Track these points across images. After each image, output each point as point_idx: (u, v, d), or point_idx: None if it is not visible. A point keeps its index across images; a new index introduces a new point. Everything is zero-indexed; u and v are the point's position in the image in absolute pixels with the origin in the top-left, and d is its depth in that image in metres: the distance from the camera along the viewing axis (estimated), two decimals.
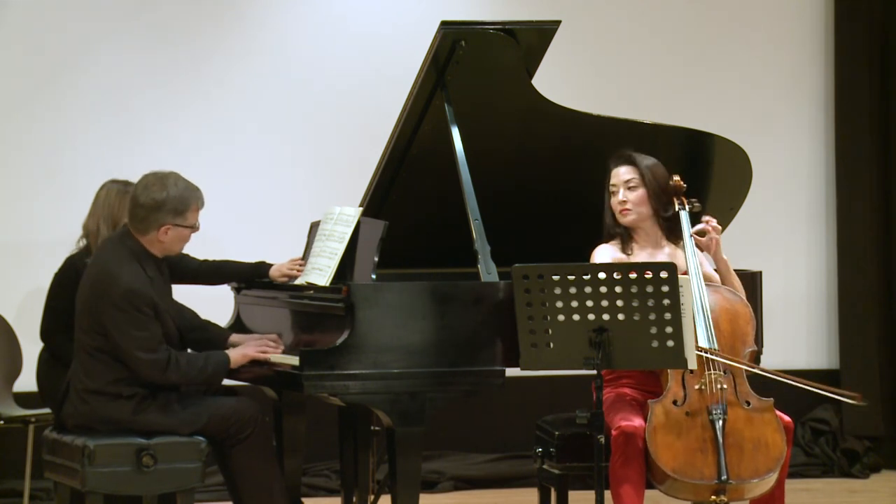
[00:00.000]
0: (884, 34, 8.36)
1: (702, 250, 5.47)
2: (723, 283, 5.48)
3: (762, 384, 5.33)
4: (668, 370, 5.17)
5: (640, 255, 5.50)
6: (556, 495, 5.51)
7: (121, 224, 5.83)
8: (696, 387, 5.15)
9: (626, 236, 5.52)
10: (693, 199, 5.56)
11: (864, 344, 8.32)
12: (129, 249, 5.40)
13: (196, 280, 5.92)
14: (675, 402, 5.15)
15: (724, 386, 5.14)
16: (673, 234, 5.53)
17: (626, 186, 5.48)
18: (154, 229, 5.38)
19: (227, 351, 5.54)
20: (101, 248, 5.60)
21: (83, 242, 6.35)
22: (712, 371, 5.16)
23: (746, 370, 5.22)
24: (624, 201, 5.48)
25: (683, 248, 5.44)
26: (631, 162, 5.49)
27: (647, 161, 5.52)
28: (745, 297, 5.44)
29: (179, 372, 5.33)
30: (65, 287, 6.23)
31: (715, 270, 5.54)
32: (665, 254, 5.51)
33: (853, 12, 8.31)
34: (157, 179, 5.38)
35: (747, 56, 8.36)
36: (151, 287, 5.36)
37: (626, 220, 5.50)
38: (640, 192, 5.48)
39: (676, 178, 5.53)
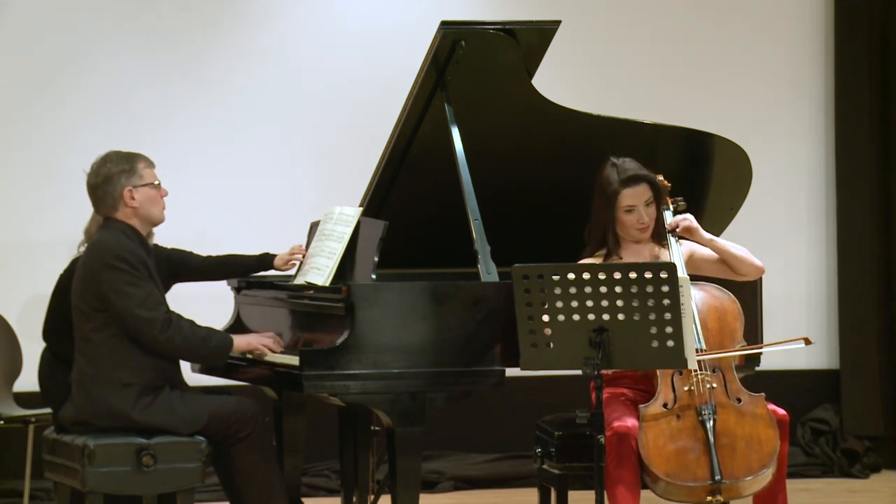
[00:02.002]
0: (884, 34, 8.36)
1: (696, 242, 5.46)
2: (723, 256, 5.43)
3: (756, 382, 5.33)
4: (659, 372, 5.17)
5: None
6: (556, 495, 5.51)
7: None
8: (686, 388, 5.13)
9: (613, 248, 5.47)
10: (678, 198, 5.55)
11: (864, 344, 8.31)
12: (112, 228, 5.45)
13: (202, 276, 5.94)
14: (665, 405, 5.13)
15: (714, 385, 5.13)
16: (656, 236, 5.50)
17: (646, 205, 5.42)
18: (119, 198, 5.44)
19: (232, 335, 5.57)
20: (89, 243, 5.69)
21: (85, 247, 6.36)
22: (700, 371, 5.15)
23: (737, 354, 5.22)
24: (645, 219, 5.42)
25: (668, 247, 5.43)
26: (647, 180, 5.41)
27: (640, 167, 5.44)
28: (754, 260, 5.42)
29: (182, 334, 5.33)
30: (68, 288, 6.23)
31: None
32: (649, 258, 5.48)
33: (853, 12, 8.31)
34: (97, 161, 5.50)
35: (747, 56, 8.35)
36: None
37: (644, 237, 5.46)
38: (653, 208, 5.44)
39: (660, 177, 5.51)
